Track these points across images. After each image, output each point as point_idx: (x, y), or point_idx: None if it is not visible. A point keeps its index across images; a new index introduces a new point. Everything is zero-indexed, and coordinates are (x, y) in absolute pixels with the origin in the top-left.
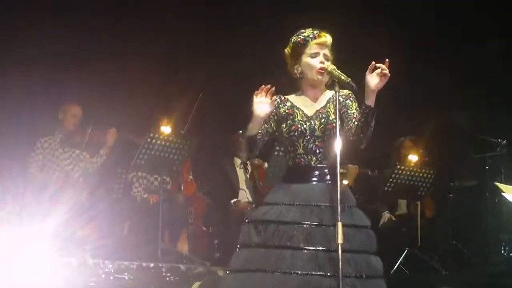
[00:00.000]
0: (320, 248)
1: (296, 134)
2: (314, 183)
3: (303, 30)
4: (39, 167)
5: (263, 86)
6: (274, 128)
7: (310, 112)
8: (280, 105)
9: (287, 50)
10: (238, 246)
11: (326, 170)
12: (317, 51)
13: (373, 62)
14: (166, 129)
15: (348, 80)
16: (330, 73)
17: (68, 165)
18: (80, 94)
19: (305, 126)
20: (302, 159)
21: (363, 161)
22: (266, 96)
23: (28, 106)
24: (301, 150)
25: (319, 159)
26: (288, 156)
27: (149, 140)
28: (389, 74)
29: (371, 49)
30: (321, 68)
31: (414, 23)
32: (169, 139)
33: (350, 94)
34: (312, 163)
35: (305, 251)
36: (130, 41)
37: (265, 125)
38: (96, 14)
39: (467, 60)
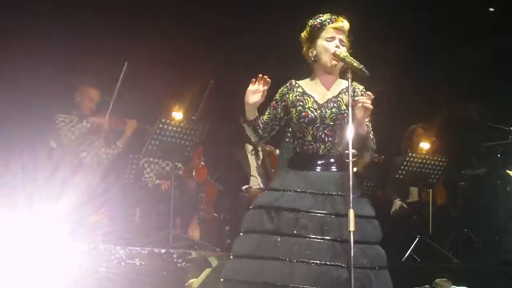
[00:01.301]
0: (337, 238)
1: (306, 121)
2: (323, 171)
3: (320, 14)
4: (71, 139)
5: (260, 75)
6: (282, 114)
7: (321, 99)
8: (290, 92)
9: (303, 34)
10: (242, 231)
11: (334, 159)
12: (333, 35)
13: (356, 99)
14: (177, 114)
15: (361, 67)
16: (342, 59)
17: (82, 152)
18: (93, 79)
19: (315, 113)
20: (310, 146)
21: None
22: (260, 84)
23: (38, 91)
24: (309, 138)
25: (328, 147)
26: (296, 142)
27: (160, 125)
28: (371, 107)
29: (388, 35)
30: (335, 53)
31: (430, 11)
32: (181, 125)
33: (360, 89)
34: (320, 151)
35: (322, 240)
36: (143, 27)
37: (274, 110)
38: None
39: (480, 48)
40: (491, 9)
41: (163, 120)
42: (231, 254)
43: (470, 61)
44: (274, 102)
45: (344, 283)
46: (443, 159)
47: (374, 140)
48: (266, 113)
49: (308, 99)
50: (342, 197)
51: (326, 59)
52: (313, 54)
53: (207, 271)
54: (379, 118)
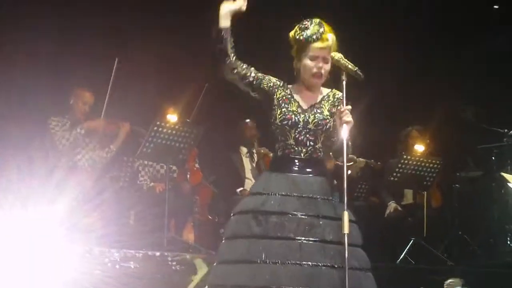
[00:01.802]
0: (326, 240)
1: (289, 123)
2: (305, 175)
3: (307, 24)
4: (68, 143)
5: None
6: (255, 84)
7: (305, 105)
8: (281, 88)
9: (291, 36)
10: (226, 237)
11: (315, 163)
12: (317, 55)
13: (338, 111)
14: (172, 117)
15: (356, 69)
16: (337, 61)
17: (77, 154)
18: (87, 82)
19: (299, 117)
20: (292, 150)
21: (366, 152)
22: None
23: (33, 93)
24: (292, 141)
25: (309, 151)
26: (278, 145)
27: (155, 128)
28: (351, 120)
29: (382, 37)
30: (316, 75)
31: (423, 13)
32: (175, 128)
33: (342, 99)
34: (302, 155)
35: (311, 242)
36: (138, 30)
37: (258, 74)
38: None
39: (474, 50)
40: (496, 7)
41: (157, 123)
42: (217, 260)
43: (466, 63)
44: (264, 75)
45: (337, 284)
46: (438, 162)
47: (351, 148)
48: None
49: (293, 103)
50: (325, 200)
51: (307, 77)
52: (297, 67)
53: (201, 274)
54: (374, 120)
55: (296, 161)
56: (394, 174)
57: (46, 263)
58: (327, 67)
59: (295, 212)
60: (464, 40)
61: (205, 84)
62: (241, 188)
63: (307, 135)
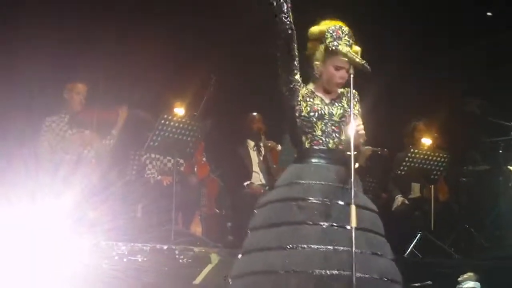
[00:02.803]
0: (361, 226)
1: (316, 115)
2: (333, 165)
3: (339, 33)
4: (48, 147)
5: None
6: (295, 69)
7: (327, 100)
8: (303, 85)
9: (314, 33)
10: (267, 224)
11: (341, 154)
12: (343, 66)
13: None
14: (179, 111)
15: (363, 63)
16: (344, 55)
17: (79, 147)
18: (92, 73)
19: (324, 110)
20: (320, 141)
21: (374, 142)
22: None
23: (37, 86)
24: (319, 132)
25: (336, 143)
26: (305, 137)
27: (162, 122)
28: (364, 135)
29: (390, 31)
30: (339, 84)
31: (433, 8)
32: (183, 121)
33: (356, 94)
34: (330, 145)
35: (348, 228)
36: (145, 21)
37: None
38: None
39: (482, 44)
40: (489, 14)
41: (165, 116)
42: (253, 247)
43: (472, 57)
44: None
45: (386, 270)
46: (445, 155)
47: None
48: None
49: (317, 96)
50: (350, 190)
51: (330, 84)
52: (318, 70)
53: (209, 267)
54: (380, 114)
55: (325, 152)
56: (401, 167)
57: (53, 256)
58: (347, 75)
59: (334, 200)
60: (471, 32)
61: (213, 78)
62: (248, 182)
63: (333, 127)
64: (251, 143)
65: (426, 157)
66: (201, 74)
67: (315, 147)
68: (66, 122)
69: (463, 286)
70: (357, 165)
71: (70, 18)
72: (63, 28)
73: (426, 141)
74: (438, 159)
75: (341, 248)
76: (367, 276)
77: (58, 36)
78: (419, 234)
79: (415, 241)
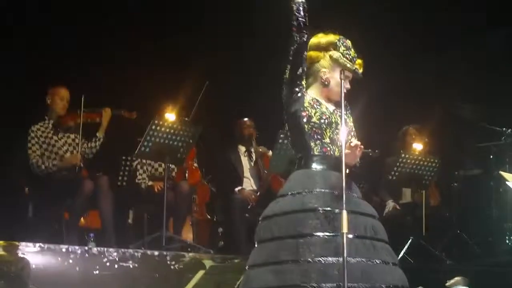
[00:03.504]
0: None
1: (326, 122)
2: (338, 172)
3: (348, 43)
4: (38, 156)
5: None
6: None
7: (330, 108)
8: (305, 94)
9: (323, 43)
10: (301, 235)
11: (343, 161)
12: (349, 77)
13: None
14: (170, 116)
15: (354, 68)
16: (335, 60)
17: (66, 152)
18: (81, 76)
19: (331, 117)
20: (328, 148)
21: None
22: None
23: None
24: (327, 140)
25: (339, 150)
26: (314, 144)
27: (153, 127)
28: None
29: (377, 34)
30: (345, 93)
31: (421, 10)
32: (174, 126)
33: (348, 106)
34: (335, 153)
35: (373, 240)
36: (136, 26)
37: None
38: None
39: (472, 48)
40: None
41: (155, 122)
42: (264, 261)
43: (464, 61)
44: None
45: (388, 278)
46: (436, 160)
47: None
48: None
49: (322, 104)
50: (357, 197)
51: (334, 94)
52: (325, 78)
53: (200, 273)
54: (371, 119)
55: (332, 159)
56: (393, 172)
57: (45, 263)
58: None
59: (354, 210)
60: (462, 38)
61: (206, 83)
62: (239, 187)
63: (337, 135)
64: (242, 149)
65: (417, 162)
66: (193, 78)
67: (324, 154)
68: (50, 128)
69: None
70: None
71: (57, 19)
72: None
73: (417, 146)
74: (429, 164)
75: (354, 260)
76: (377, 285)
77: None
78: (410, 239)
79: (406, 247)
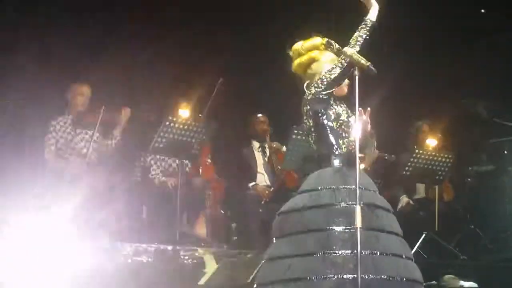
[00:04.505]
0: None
1: (350, 121)
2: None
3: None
4: (53, 152)
5: None
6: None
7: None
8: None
9: (318, 44)
10: (350, 228)
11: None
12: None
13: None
14: (184, 112)
15: (368, 64)
16: (349, 56)
17: (83, 148)
18: (96, 73)
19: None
20: (353, 146)
21: (378, 143)
22: None
23: (41, 87)
24: (352, 138)
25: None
26: (342, 141)
27: (167, 123)
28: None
29: (394, 32)
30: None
31: (439, 7)
32: (188, 123)
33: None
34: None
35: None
36: (151, 24)
37: None
38: None
39: (486, 44)
40: (483, 11)
41: (169, 118)
42: (291, 253)
43: (478, 57)
44: None
45: (402, 271)
46: (450, 156)
47: (374, 137)
48: None
49: (339, 104)
50: (373, 192)
51: (341, 90)
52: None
53: (213, 267)
54: (385, 115)
55: (355, 156)
56: (406, 168)
57: (58, 258)
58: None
59: (378, 204)
60: (476, 33)
61: (219, 79)
62: (253, 183)
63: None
64: (256, 145)
65: (431, 158)
66: (207, 75)
67: (350, 151)
68: (69, 123)
69: (464, 286)
70: (362, 166)
71: (74, 18)
72: (68, 28)
73: (431, 142)
74: (443, 160)
75: (377, 252)
76: (391, 278)
77: (63, 36)
78: (424, 235)
79: (420, 242)
